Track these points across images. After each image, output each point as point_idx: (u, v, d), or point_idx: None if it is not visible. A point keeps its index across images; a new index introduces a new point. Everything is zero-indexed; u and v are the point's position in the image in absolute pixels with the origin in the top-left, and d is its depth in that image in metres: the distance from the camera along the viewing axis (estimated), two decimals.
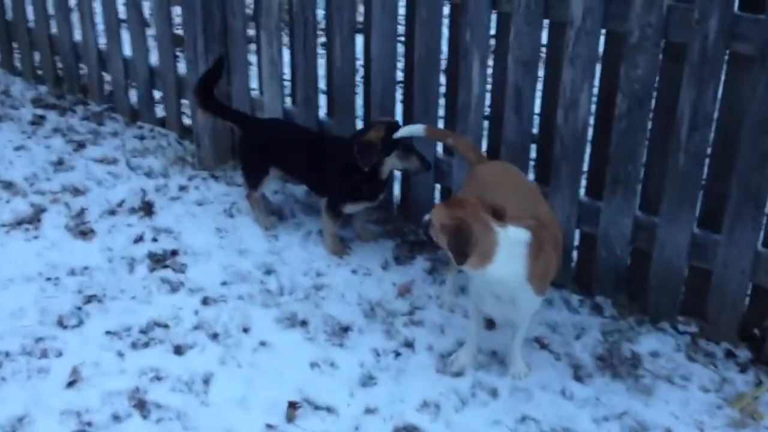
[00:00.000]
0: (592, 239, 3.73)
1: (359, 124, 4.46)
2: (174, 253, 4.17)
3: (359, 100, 4.50)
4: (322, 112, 4.59)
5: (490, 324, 3.61)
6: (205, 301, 3.83)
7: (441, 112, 4.10)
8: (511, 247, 2.98)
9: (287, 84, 4.71)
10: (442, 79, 4.02)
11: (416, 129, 3.79)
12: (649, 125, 3.45)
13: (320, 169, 4.09)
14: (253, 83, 4.82)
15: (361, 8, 4.36)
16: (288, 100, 4.74)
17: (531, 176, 3.93)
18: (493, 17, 3.72)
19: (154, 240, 4.27)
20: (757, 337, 3.43)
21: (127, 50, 5.23)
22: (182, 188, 4.76)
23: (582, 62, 3.46)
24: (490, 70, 3.82)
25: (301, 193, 4.69)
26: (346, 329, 3.67)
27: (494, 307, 3.19)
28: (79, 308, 3.75)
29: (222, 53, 4.56)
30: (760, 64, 3.06)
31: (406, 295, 3.89)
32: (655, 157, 3.51)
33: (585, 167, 3.72)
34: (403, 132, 3.80)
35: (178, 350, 3.53)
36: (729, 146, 3.30)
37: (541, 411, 3.24)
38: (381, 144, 3.81)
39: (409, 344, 3.59)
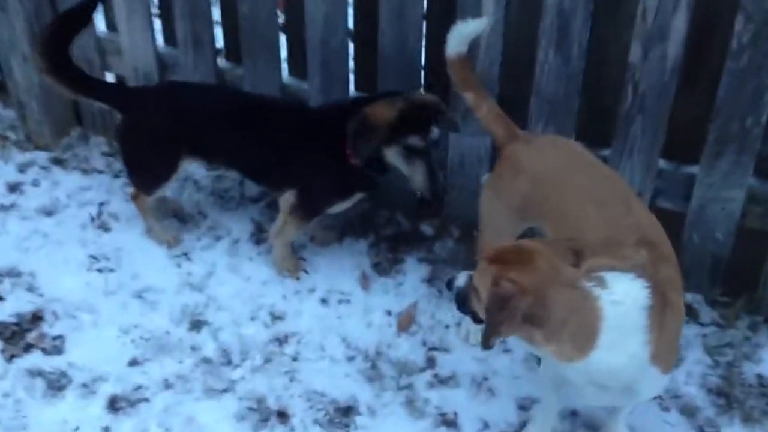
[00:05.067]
0: (672, 219, 2.59)
1: (284, 71, 2.99)
2: (36, 317, 2.66)
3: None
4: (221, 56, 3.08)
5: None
6: (114, 404, 2.41)
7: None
8: (624, 317, 1.79)
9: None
10: None
11: (478, 24, 2.31)
12: None
13: (289, 152, 2.61)
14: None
15: None
16: (159, 40, 3.16)
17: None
18: None
19: None
20: None
21: None
22: (14, 188, 3.20)
23: None
24: None
25: (202, 175, 3.21)
26: (347, 412, 2.42)
27: (596, 397, 2.01)
28: None
29: None
30: None
31: (412, 329, 2.66)
32: None
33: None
34: (464, 29, 2.29)
35: None
36: None
37: None
38: (387, 128, 2.41)
39: (450, 422, 2.39)
